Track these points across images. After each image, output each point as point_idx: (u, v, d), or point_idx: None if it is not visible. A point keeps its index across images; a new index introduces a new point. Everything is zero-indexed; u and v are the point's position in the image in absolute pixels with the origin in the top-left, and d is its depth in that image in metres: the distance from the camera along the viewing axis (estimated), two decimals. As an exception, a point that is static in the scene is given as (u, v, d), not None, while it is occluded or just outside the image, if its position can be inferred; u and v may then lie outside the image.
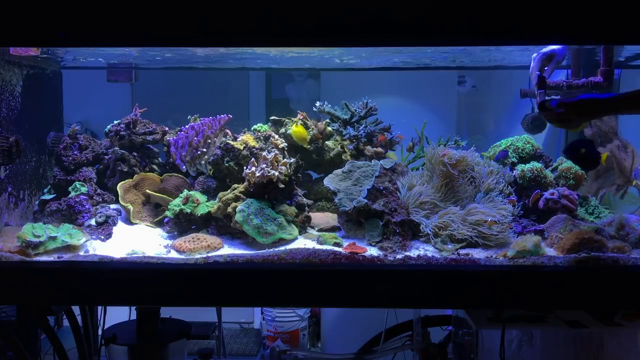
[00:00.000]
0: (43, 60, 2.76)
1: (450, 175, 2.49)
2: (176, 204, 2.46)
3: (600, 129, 2.68)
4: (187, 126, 2.71)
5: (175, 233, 2.45)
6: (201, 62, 3.07)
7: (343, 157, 2.76)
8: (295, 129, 2.69)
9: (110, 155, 2.77)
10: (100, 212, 2.49)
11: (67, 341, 2.68)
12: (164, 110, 3.28)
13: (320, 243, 2.29)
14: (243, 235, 2.33)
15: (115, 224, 2.49)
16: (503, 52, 2.69)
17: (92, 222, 2.47)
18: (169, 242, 2.36)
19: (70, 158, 2.72)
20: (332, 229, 2.49)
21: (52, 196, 2.62)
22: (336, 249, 2.22)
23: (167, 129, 2.89)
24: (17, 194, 2.54)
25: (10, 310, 2.70)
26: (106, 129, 2.85)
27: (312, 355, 3.13)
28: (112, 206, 2.62)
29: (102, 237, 2.37)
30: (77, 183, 2.60)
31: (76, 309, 2.82)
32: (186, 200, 2.46)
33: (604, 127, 2.70)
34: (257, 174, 2.36)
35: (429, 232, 2.27)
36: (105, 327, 2.73)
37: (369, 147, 2.78)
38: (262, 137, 2.68)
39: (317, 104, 2.86)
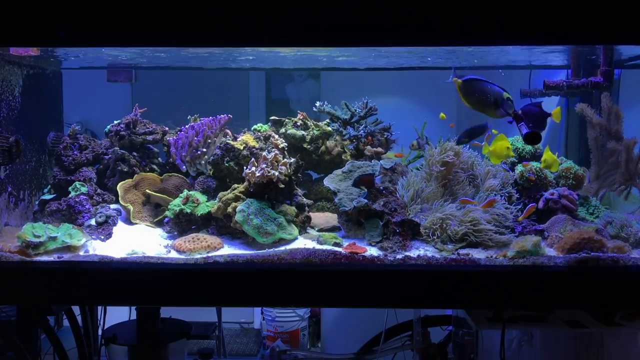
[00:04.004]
0: (43, 60, 2.76)
1: (447, 176, 2.49)
2: (176, 204, 2.46)
3: (605, 129, 2.67)
4: (187, 126, 2.71)
5: (175, 233, 2.45)
6: (201, 62, 3.08)
7: (343, 157, 2.77)
8: (547, 155, 2.48)
9: (110, 155, 2.77)
10: (100, 212, 2.49)
11: (67, 341, 2.68)
12: (164, 110, 3.28)
13: (320, 243, 2.29)
14: (243, 235, 2.33)
15: (115, 224, 2.49)
16: (504, 52, 2.69)
17: (92, 222, 2.47)
18: (169, 242, 2.36)
19: (70, 158, 2.72)
20: (332, 229, 2.49)
21: (52, 196, 2.62)
22: (336, 249, 2.22)
23: (167, 129, 2.89)
24: (17, 194, 2.54)
25: (10, 310, 2.70)
26: (106, 129, 2.85)
27: (312, 355, 3.13)
28: (112, 206, 2.62)
29: (102, 237, 2.37)
30: (77, 183, 2.60)
31: (76, 309, 2.82)
32: (186, 200, 2.46)
33: (609, 126, 2.68)
34: (257, 174, 2.36)
35: (422, 222, 2.27)
36: (105, 327, 2.74)
37: (369, 147, 2.78)
38: (262, 137, 2.68)
39: (317, 104, 2.86)
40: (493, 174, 2.50)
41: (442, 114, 2.74)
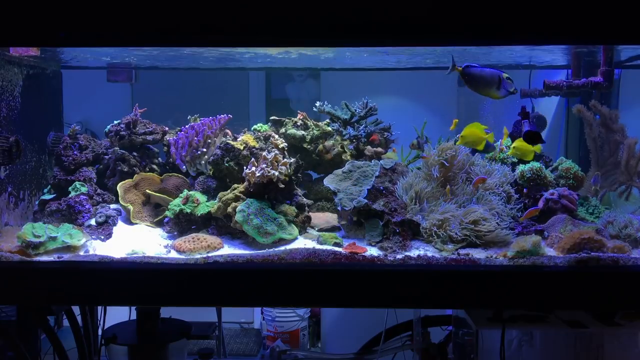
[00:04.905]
0: (43, 60, 2.76)
1: (446, 176, 2.49)
2: (176, 204, 2.46)
3: (606, 125, 2.66)
4: (187, 126, 2.71)
5: (175, 233, 2.45)
6: (202, 62, 3.08)
7: (343, 157, 2.76)
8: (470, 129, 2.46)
9: (110, 155, 2.77)
10: (100, 212, 2.49)
11: (67, 341, 2.68)
12: (164, 110, 3.28)
13: (320, 243, 2.29)
14: (243, 235, 2.33)
15: (115, 224, 2.49)
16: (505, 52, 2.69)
17: (92, 222, 2.47)
18: (169, 242, 2.36)
19: (70, 158, 2.72)
20: (332, 229, 2.49)
21: (52, 196, 2.62)
22: (336, 249, 2.22)
23: (167, 129, 2.89)
24: (17, 194, 2.54)
25: (10, 310, 2.70)
26: (106, 129, 2.85)
27: (312, 355, 3.13)
28: (112, 206, 2.62)
29: (102, 237, 2.37)
30: (77, 183, 2.60)
31: (76, 309, 2.82)
32: (186, 200, 2.46)
33: (610, 123, 2.67)
34: (257, 174, 2.36)
35: (424, 224, 2.27)
36: (105, 327, 2.73)
37: (369, 147, 2.78)
38: (262, 137, 2.68)
39: (317, 104, 2.86)
40: (491, 173, 2.50)
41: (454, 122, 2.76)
